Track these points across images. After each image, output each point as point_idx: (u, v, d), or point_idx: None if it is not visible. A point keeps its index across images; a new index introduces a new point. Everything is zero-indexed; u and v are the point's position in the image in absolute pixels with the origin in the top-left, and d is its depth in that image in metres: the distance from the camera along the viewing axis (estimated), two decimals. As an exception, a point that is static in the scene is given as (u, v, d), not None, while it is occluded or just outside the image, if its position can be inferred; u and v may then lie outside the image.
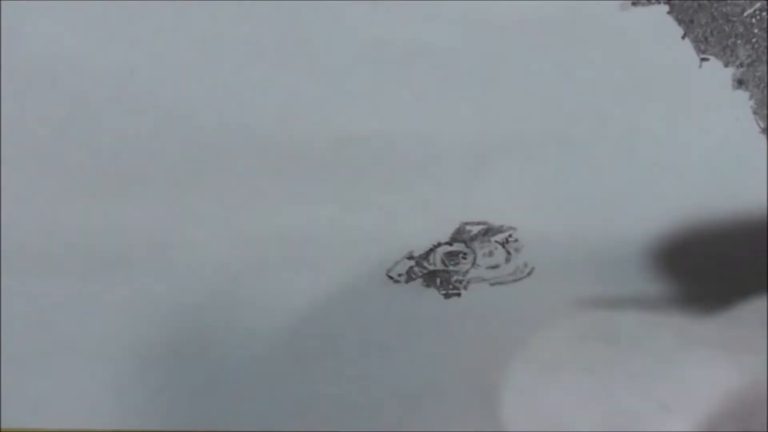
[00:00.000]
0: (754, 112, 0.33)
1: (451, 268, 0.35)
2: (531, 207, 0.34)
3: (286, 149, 0.33)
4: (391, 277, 0.35)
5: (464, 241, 0.35)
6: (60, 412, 0.37)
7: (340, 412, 0.38)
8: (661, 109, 0.33)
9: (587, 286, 0.36)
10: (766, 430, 0.31)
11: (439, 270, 0.35)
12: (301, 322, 0.36)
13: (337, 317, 0.36)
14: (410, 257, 0.35)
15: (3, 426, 0.36)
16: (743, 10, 0.32)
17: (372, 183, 0.33)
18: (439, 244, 0.34)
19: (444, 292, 0.35)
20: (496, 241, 0.35)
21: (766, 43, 0.32)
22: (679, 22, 0.32)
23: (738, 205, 0.34)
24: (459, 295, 0.35)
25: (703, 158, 0.34)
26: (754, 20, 0.32)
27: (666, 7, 0.32)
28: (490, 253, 0.35)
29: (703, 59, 0.33)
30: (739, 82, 0.33)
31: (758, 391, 0.34)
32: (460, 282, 0.35)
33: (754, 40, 0.33)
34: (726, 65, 0.33)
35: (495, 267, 0.35)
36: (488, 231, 0.34)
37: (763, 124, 0.33)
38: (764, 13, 0.32)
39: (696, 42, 0.32)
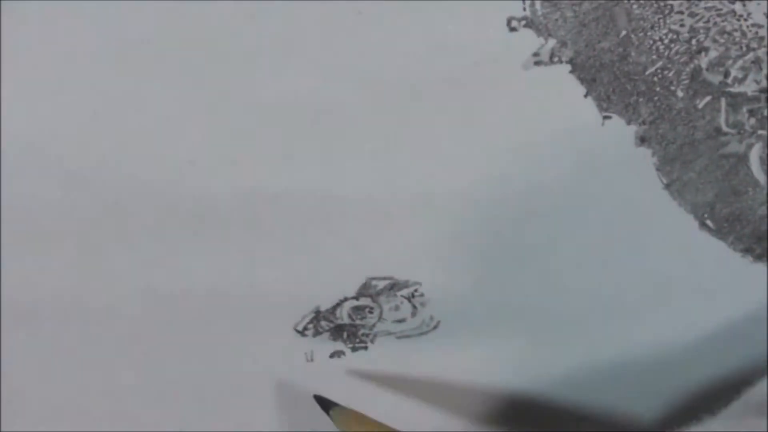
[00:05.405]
0: (657, 169, 0.34)
1: (357, 322, 0.35)
2: (436, 262, 0.34)
3: (195, 207, 0.32)
4: (299, 331, 0.35)
5: (370, 296, 0.35)
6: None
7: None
8: (564, 166, 0.33)
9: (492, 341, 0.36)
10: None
11: (346, 324, 0.35)
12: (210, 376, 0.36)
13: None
14: (317, 312, 0.35)
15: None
16: (645, 69, 0.32)
17: (280, 239, 0.33)
18: (346, 299, 0.34)
19: (351, 345, 0.35)
20: (402, 296, 0.35)
21: (667, 101, 0.33)
22: (582, 81, 0.32)
23: (640, 260, 0.35)
24: (366, 348, 0.35)
25: (607, 214, 0.34)
26: (655, 78, 0.33)
27: (568, 67, 0.32)
28: (396, 308, 0.35)
29: (605, 117, 0.33)
30: (642, 140, 0.33)
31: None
32: (367, 335, 0.35)
33: (656, 98, 0.33)
34: (628, 123, 0.33)
35: (401, 321, 0.35)
36: (394, 286, 0.34)
37: (665, 180, 0.34)
38: (665, 72, 0.33)
39: (598, 100, 0.33)
